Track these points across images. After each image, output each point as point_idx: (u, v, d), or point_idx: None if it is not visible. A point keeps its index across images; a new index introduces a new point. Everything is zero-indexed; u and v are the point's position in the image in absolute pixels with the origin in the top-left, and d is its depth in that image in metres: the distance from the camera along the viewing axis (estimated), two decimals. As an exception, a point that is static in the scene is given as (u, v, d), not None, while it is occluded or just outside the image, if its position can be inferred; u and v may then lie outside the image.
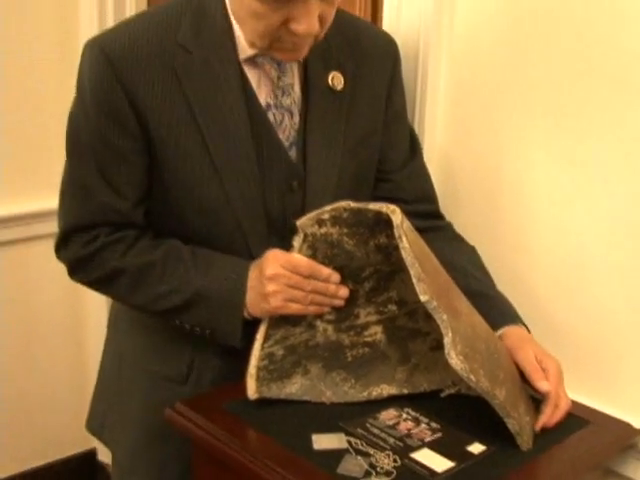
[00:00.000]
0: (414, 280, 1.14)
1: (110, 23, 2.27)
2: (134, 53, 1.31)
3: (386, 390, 1.36)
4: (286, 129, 1.39)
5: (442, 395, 1.37)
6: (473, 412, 1.33)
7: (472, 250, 1.53)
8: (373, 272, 1.31)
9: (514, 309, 1.43)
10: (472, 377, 1.16)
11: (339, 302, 1.32)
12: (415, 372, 1.36)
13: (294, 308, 1.29)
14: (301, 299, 1.29)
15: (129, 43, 1.31)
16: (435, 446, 1.24)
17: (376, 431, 1.27)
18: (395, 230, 1.16)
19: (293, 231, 1.30)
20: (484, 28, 1.59)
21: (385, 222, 1.22)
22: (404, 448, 1.23)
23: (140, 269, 1.37)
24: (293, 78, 1.40)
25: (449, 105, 1.68)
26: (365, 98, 1.46)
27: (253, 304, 1.32)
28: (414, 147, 1.57)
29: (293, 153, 1.40)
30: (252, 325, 1.33)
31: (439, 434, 1.28)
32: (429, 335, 1.36)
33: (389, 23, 1.71)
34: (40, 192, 2.34)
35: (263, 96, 1.38)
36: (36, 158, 2.35)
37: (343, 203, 1.25)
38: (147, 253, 1.37)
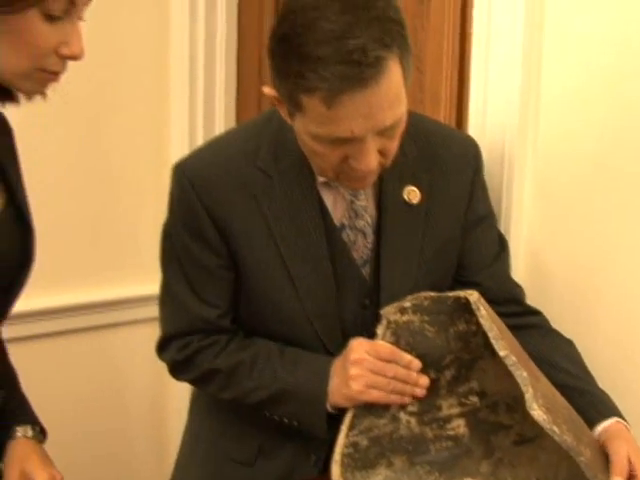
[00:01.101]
0: (492, 341, 1.18)
1: (200, 141, 2.42)
2: (216, 178, 1.41)
3: (471, 483, 1.36)
4: (359, 248, 1.45)
5: None
6: None
7: (569, 344, 1.50)
8: (454, 360, 1.35)
9: (614, 405, 1.39)
10: (555, 429, 1.17)
11: (420, 392, 1.34)
12: (499, 466, 1.36)
13: (375, 395, 1.31)
14: (383, 386, 1.31)
15: (211, 168, 1.42)
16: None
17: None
18: (472, 305, 1.22)
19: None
20: (569, 132, 1.63)
21: (464, 308, 1.28)
22: None
23: (231, 369, 1.44)
24: (367, 199, 1.45)
25: (535, 204, 1.70)
26: (442, 209, 1.48)
27: (335, 391, 1.35)
28: (499, 249, 1.57)
29: (367, 270, 1.46)
30: (338, 415, 1.36)
31: None
32: (511, 428, 1.36)
33: (474, 127, 1.75)
34: (125, 280, 2.42)
35: (338, 217, 1.44)
36: (124, 250, 2.45)
37: (424, 292, 1.31)
38: (237, 354, 1.45)
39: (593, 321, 1.62)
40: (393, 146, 1.31)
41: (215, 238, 1.42)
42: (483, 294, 1.34)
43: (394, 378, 1.31)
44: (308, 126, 1.27)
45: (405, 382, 1.32)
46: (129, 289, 2.44)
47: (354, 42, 1.18)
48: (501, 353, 1.19)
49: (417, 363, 1.32)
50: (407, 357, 1.32)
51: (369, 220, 1.46)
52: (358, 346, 1.33)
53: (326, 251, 1.43)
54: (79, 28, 1.16)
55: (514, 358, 1.19)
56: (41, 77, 1.16)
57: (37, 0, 1.08)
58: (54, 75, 1.17)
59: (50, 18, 1.11)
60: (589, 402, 1.37)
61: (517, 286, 1.59)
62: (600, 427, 1.35)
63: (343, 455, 1.32)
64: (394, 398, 1.33)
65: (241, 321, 1.49)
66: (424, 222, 1.47)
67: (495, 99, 1.74)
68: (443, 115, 1.90)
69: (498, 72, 1.73)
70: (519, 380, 1.18)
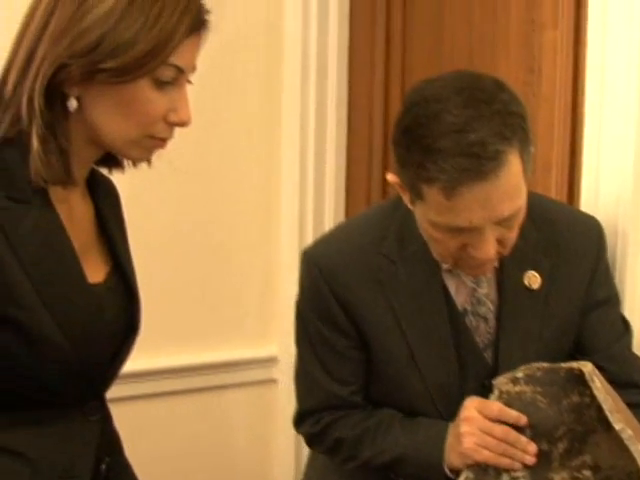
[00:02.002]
0: (607, 413, 1.17)
1: (309, 212, 2.48)
2: (343, 264, 1.48)
3: None
4: (482, 333, 1.48)
5: None
6: None
7: None
8: (566, 432, 1.33)
9: None
10: None
11: (530, 459, 1.33)
12: (613, 542, 1.33)
13: (486, 455, 1.32)
14: (493, 447, 1.32)
15: (338, 255, 1.49)
16: None
17: None
18: (586, 376, 1.21)
19: None
20: None
21: (577, 379, 1.27)
22: None
23: (357, 438, 1.49)
24: (488, 286, 1.48)
25: None
26: (563, 293, 1.49)
27: (450, 449, 1.38)
28: (621, 331, 1.56)
29: (488, 354, 1.48)
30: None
31: None
32: (625, 504, 1.34)
33: (586, 199, 1.75)
34: (231, 343, 2.47)
35: (460, 302, 1.48)
36: (230, 313, 2.49)
37: (536, 363, 1.31)
38: (362, 424, 1.50)
39: None
40: (512, 236, 1.34)
41: (344, 321, 1.48)
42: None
43: (504, 440, 1.32)
44: (428, 214, 1.31)
45: (514, 444, 1.32)
46: (234, 352, 2.48)
47: (474, 135, 1.22)
48: (617, 426, 1.17)
49: (524, 419, 1.32)
50: (514, 413, 1.32)
51: (491, 307, 1.48)
52: (469, 404, 1.36)
53: (449, 335, 1.46)
54: (186, 94, 1.20)
55: (630, 432, 1.17)
56: (149, 144, 1.21)
57: (150, 69, 1.14)
58: (161, 141, 1.21)
59: (159, 85, 1.16)
60: None
61: (638, 370, 1.56)
62: None
63: None
64: (504, 461, 1.33)
65: (368, 396, 1.54)
66: (544, 306, 1.48)
67: (608, 169, 1.73)
68: (554, 185, 1.89)
69: (611, 141, 1.72)
70: (635, 454, 1.17)
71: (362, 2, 2.41)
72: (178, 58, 1.16)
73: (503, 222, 1.29)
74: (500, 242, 1.32)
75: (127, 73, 1.13)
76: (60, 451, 1.21)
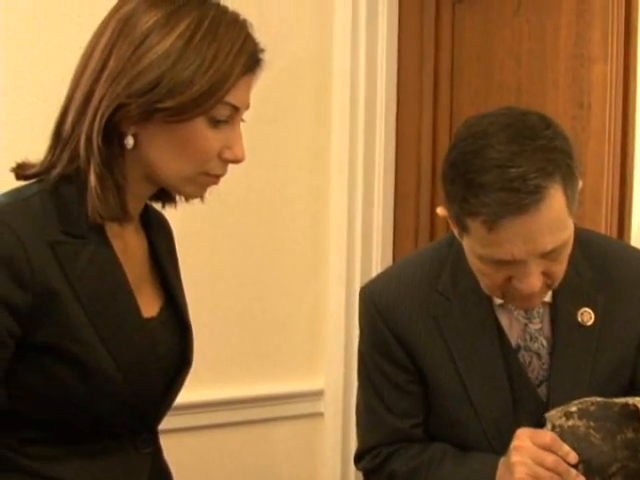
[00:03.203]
0: None
1: (357, 242, 2.49)
2: (400, 301, 1.49)
3: None
4: (535, 369, 1.47)
5: None
6: None
7: None
8: (620, 468, 1.31)
9: None
10: None
11: None
12: None
13: None
14: (544, 478, 1.30)
15: (395, 292, 1.50)
16: None
17: None
18: None
19: None
20: None
21: (632, 415, 1.26)
22: None
23: (411, 471, 1.48)
24: (542, 322, 1.47)
25: None
26: (617, 330, 1.47)
27: (501, 478, 1.37)
28: None
29: (543, 390, 1.47)
30: None
31: None
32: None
33: (637, 233, 1.76)
34: (281, 376, 2.47)
35: (514, 337, 1.47)
36: (280, 347, 2.49)
37: (590, 397, 1.30)
38: (417, 458, 1.49)
39: None
40: (558, 269, 1.34)
41: (402, 357, 1.49)
42: None
43: (554, 470, 1.30)
44: (473, 247, 1.33)
45: (564, 476, 1.30)
46: (282, 385, 2.48)
47: (516, 170, 1.23)
48: None
49: (574, 456, 1.30)
50: (566, 448, 1.30)
51: (544, 342, 1.47)
52: (522, 433, 1.34)
53: (503, 371, 1.46)
54: (240, 132, 1.22)
55: None
56: (203, 180, 1.22)
57: (206, 109, 1.15)
58: (215, 178, 1.22)
59: (215, 123, 1.17)
60: None
61: None
62: None
63: None
64: None
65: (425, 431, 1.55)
66: (597, 343, 1.47)
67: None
68: (604, 220, 1.89)
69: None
70: None
71: (410, 39, 2.44)
72: (233, 97, 1.17)
73: (548, 255, 1.29)
74: (547, 275, 1.33)
75: (184, 112, 1.14)
76: None
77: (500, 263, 1.29)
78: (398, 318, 1.48)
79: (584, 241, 1.47)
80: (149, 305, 1.26)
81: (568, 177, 1.28)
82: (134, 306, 1.21)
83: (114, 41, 1.16)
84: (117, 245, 1.21)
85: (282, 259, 2.49)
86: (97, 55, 1.16)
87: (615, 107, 1.90)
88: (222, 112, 1.17)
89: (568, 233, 1.31)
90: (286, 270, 2.50)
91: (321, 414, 2.56)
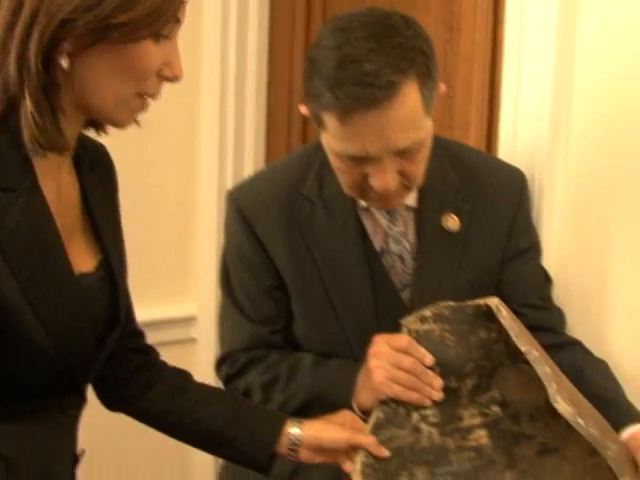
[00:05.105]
0: (514, 338, 1.19)
1: (229, 170, 2.48)
2: (264, 205, 1.50)
3: (494, 494, 1.34)
4: (399, 273, 1.50)
5: None
6: None
7: (602, 363, 1.52)
8: (475, 368, 1.34)
9: None
10: (580, 421, 1.16)
11: (438, 395, 1.33)
12: (523, 477, 1.34)
13: (396, 389, 1.32)
14: (402, 380, 1.32)
15: (260, 196, 1.51)
16: None
17: None
18: (493, 308, 1.22)
19: None
20: (599, 157, 1.64)
21: (484, 316, 1.29)
22: None
23: (269, 382, 1.50)
24: (405, 225, 1.50)
25: (564, 229, 1.71)
26: (482, 239, 1.51)
27: (360, 386, 1.40)
28: (542, 281, 1.59)
29: (406, 295, 1.50)
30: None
31: None
32: (534, 439, 1.34)
33: (504, 153, 1.77)
34: (153, 302, 2.43)
35: (378, 241, 1.49)
36: (152, 273, 2.47)
37: (444, 302, 1.32)
38: (275, 369, 1.50)
39: (619, 342, 1.63)
40: (414, 170, 1.36)
41: (264, 261, 1.50)
42: (522, 323, 1.34)
43: (411, 372, 1.32)
44: (330, 143, 1.34)
45: (421, 377, 1.33)
46: (152, 311, 2.41)
47: (370, 66, 1.25)
48: (523, 348, 1.19)
49: (430, 358, 1.33)
50: (422, 350, 1.33)
51: (407, 246, 1.50)
52: (379, 339, 1.36)
53: (366, 275, 1.48)
54: (178, 48, 1.16)
55: (536, 353, 1.19)
56: (138, 104, 1.16)
57: (159, 27, 1.10)
58: (146, 101, 1.17)
59: (158, 39, 1.11)
60: (616, 410, 1.36)
61: (558, 317, 1.60)
62: (626, 433, 1.33)
63: (364, 466, 1.32)
64: (414, 396, 1.33)
65: (288, 338, 1.56)
66: (461, 250, 1.50)
67: (525, 125, 1.76)
68: (473, 141, 1.91)
69: (529, 98, 1.75)
70: (541, 376, 1.18)
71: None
72: (181, 10, 1.13)
73: (403, 154, 1.31)
74: (403, 175, 1.34)
75: (138, 30, 1.07)
76: (36, 448, 1.18)
77: (356, 160, 1.31)
78: (261, 220, 1.49)
79: (454, 152, 1.51)
80: (84, 259, 1.20)
81: (425, 77, 1.29)
82: (65, 263, 1.14)
83: None
84: (50, 191, 1.14)
85: (149, 174, 2.43)
86: None
87: (485, 31, 1.91)
88: (168, 27, 1.11)
89: (424, 133, 1.32)
90: (153, 187, 2.45)
91: (194, 340, 2.57)
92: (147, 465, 2.56)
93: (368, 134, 1.27)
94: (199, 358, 2.49)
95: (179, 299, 2.57)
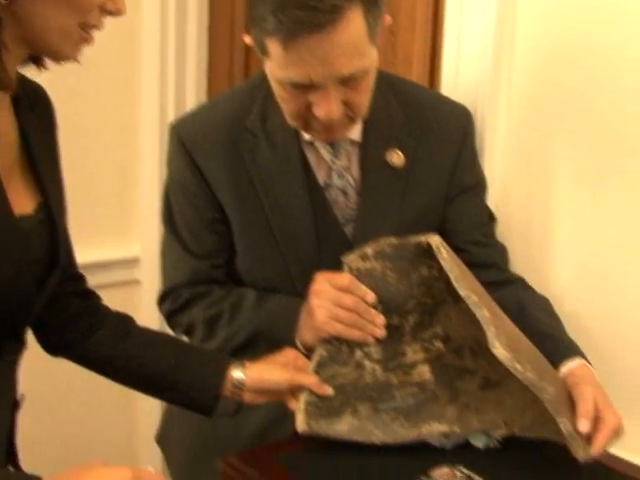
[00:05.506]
0: (454, 282, 1.19)
1: (170, 100, 2.45)
2: (206, 138, 1.48)
3: (436, 428, 1.36)
4: (342, 207, 1.49)
5: (494, 435, 1.36)
6: (525, 470, 1.31)
7: (544, 299, 1.53)
8: (417, 305, 1.35)
9: (580, 350, 1.40)
10: (518, 366, 1.17)
11: (380, 332, 1.34)
12: (465, 411, 1.37)
13: (338, 327, 1.33)
14: (344, 318, 1.32)
15: (203, 128, 1.49)
16: (488, 505, 1.21)
17: (429, 489, 1.26)
18: (434, 248, 1.23)
19: None
20: (540, 93, 1.64)
21: (426, 253, 1.29)
22: (457, 507, 1.21)
23: (212, 318, 1.49)
24: (349, 160, 1.49)
25: (506, 163, 1.72)
26: (426, 175, 1.51)
27: (302, 325, 1.39)
28: (485, 219, 1.60)
29: (349, 229, 1.49)
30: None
31: (492, 493, 1.25)
32: (476, 373, 1.37)
33: (446, 88, 1.76)
34: (95, 244, 2.44)
35: (322, 175, 1.48)
36: (93, 215, 2.45)
37: (385, 239, 1.32)
38: (218, 305, 1.49)
39: (560, 278, 1.64)
40: (358, 99, 1.34)
41: (207, 194, 1.48)
42: (465, 259, 1.35)
43: (353, 310, 1.32)
44: (273, 70, 1.32)
45: (363, 315, 1.33)
46: (95, 253, 2.41)
47: None
48: (462, 293, 1.19)
49: (372, 296, 1.33)
50: (363, 288, 1.33)
51: (351, 181, 1.49)
52: (320, 277, 1.36)
53: (309, 208, 1.46)
54: None
55: (475, 298, 1.19)
56: (81, 36, 1.13)
57: None
58: (90, 34, 1.14)
59: None
60: (556, 345, 1.38)
61: (501, 253, 1.61)
62: (565, 368, 1.35)
63: (308, 404, 1.33)
64: (356, 333, 1.34)
65: (231, 273, 1.55)
66: (405, 186, 1.50)
67: (468, 61, 1.75)
68: (415, 77, 1.90)
69: (471, 33, 1.73)
70: (480, 319, 1.19)
71: None
72: None
73: (347, 82, 1.29)
74: (347, 105, 1.33)
75: None
76: None
77: (299, 87, 1.29)
78: (204, 153, 1.47)
79: (398, 86, 1.50)
80: (23, 201, 1.17)
81: (370, 4, 1.27)
82: (4, 204, 1.11)
83: None
84: None
85: (89, 111, 2.38)
86: None
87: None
88: None
89: (368, 61, 1.30)
90: (93, 124, 2.39)
91: (137, 281, 2.55)
92: (91, 410, 2.56)
93: (312, 60, 1.25)
94: (143, 300, 2.48)
95: (122, 240, 2.55)
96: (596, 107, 1.55)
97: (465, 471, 1.31)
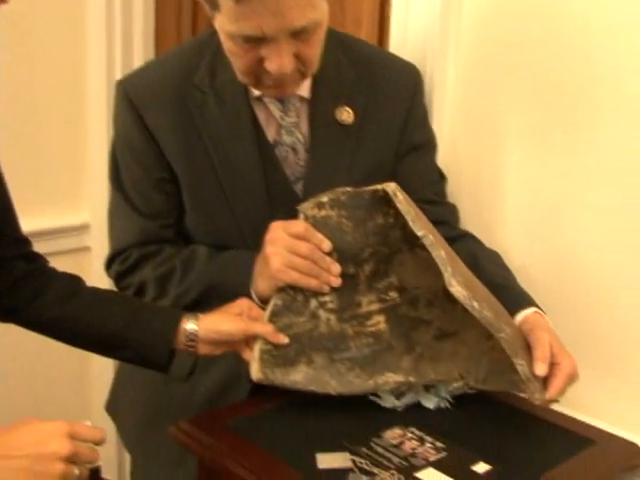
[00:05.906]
0: (410, 223, 1.19)
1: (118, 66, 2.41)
2: (153, 95, 1.45)
3: (392, 378, 1.36)
4: (291, 165, 1.48)
5: (449, 388, 1.37)
6: (478, 431, 1.32)
7: (495, 253, 1.55)
8: (372, 254, 1.34)
9: (534, 301, 1.41)
10: (475, 304, 1.18)
11: (335, 280, 1.33)
12: (421, 361, 1.37)
13: (293, 275, 1.32)
14: (300, 266, 1.31)
15: (150, 85, 1.46)
16: (440, 465, 1.22)
17: (380, 450, 1.26)
18: (390, 193, 1.23)
19: None
20: (488, 50, 1.65)
21: (382, 202, 1.28)
22: (409, 467, 1.22)
23: (163, 276, 1.47)
24: (298, 117, 1.48)
25: (454, 122, 1.73)
26: (376, 132, 1.50)
27: (257, 274, 1.38)
28: (436, 178, 1.60)
29: (299, 187, 1.48)
30: None
31: (444, 453, 1.26)
32: (431, 324, 1.37)
33: (395, 48, 1.76)
34: (44, 212, 2.41)
35: (271, 133, 1.47)
36: (42, 181, 2.42)
37: (341, 188, 1.31)
38: (169, 262, 1.47)
39: (508, 234, 1.66)
40: (309, 52, 1.33)
41: (154, 152, 1.45)
42: None
43: (309, 257, 1.31)
44: (224, 25, 1.29)
45: (319, 263, 1.32)
46: (44, 221, 2.40)
47: None
48: (419, 233, 1.19)
49: (328, 244, 1.32)
50: (319, 236, 1.32)
51: (300, 138, 1.48)
52: (275, 225, 1.35)
53: (259, 165, 1.45)
54: None
55: (432, 238, 1.20)
56: None
57: None
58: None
59: None
60: (509, 296, 1.39)
61: (453, 212, 1.62)
62: (520, 316, 1.37)
63: (262, 352, 1.32)
64: (312, 282, 1.33)
65: (181, 232, 1.53)
66: (355, 143, 1.49)
67: (416, 19, 1.75)
68: (364, 36, 1.89)
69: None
70: (437, 259, 1.19)
71: None
72: None
73: (299, 36, 1.28)
74: (299, 58, 1.32)
75: None
76: None
77: (251, 41, 1.27)
78: (151, 110, 1.44)
79: (348, 44, 1.49)
80: None
81: None
82: None
83: None
84: None
85: (33, 70, 2.32)
86: None
87: None
88: None
89: (319, 14, 1.29)
90: (38, 84, 2.34)
91: (88, 248, 2.52)
92: (44, 373, 2.53)
93: (264, 12, 1.23)
94: (93, 266, 2.43)
95: (71, 207, 2.51)
96: (543, 63, 1.56)
97: (417, 432, 1.32)
